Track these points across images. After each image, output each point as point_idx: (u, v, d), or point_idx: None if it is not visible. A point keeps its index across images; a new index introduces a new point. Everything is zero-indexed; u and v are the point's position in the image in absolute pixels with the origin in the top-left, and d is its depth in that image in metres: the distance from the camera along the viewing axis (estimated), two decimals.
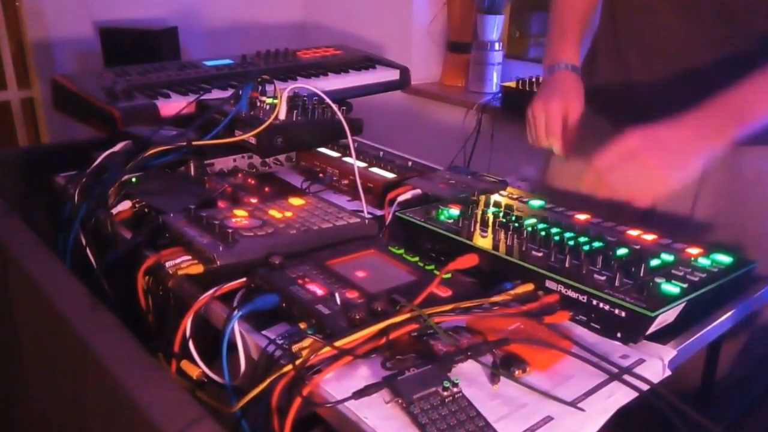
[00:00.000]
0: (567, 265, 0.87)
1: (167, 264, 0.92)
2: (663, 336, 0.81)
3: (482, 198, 1.13)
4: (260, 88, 1.31)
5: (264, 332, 0.81)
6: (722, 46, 1.05)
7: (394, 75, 1.79)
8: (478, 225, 1.00)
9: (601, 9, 1.27)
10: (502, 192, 1.17)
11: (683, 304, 0.81)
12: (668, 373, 0.78)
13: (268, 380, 0.72)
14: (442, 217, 1.04)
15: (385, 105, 2.44)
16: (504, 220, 1.01)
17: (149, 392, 0.69)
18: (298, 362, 0.72)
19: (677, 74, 1.11)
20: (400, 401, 0.67)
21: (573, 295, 0.83)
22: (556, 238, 0.95)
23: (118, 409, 0.75)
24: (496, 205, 1.10)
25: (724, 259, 0.92)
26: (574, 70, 1.16)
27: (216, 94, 1.41)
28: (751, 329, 1.08)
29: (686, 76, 1.09)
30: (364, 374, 0.73)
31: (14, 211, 1.15)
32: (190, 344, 0.85)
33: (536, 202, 1.12)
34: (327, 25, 3.42)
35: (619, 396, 0.72)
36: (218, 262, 0.89)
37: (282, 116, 1.22)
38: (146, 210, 1.09)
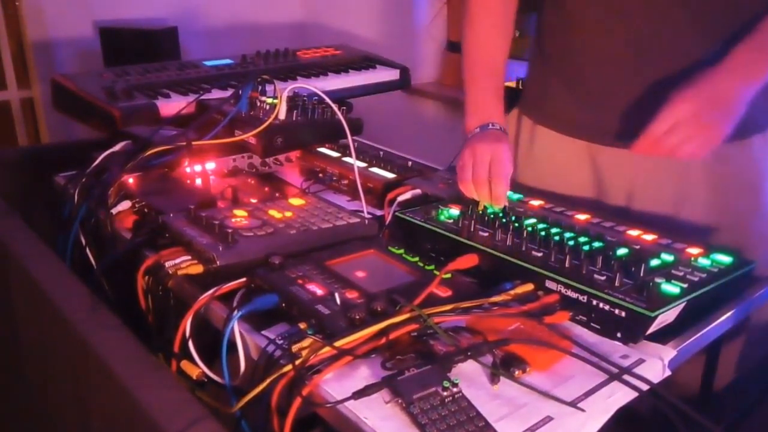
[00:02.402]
0: (567, 265, 0.87)
1: (167, 264, 0.92)
2: (663, 336, 0.81)
3: None
4: (260, 88, 1.31)
5: (264, 332, 0.81)
6: (687, 42, 1.08)
7: (394, 75, 1.79)
8: (478, 225, 1.00)
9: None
10: None
11: (683, 304, 0.81)
12: (668, 373, 0.78)
13: (268, 380, 0.72)
14: (442, 217, 1.04)
15: (385, 105, 2.44)
16: (504, 220, 1.01)
17: (150, 392, 0.69)
18: (297, 362, 0.72)
19: (636, 76, 1.12)
20: (400, 401, 0.67)
21: (573, 295, 0.83)
22: (556, 238, 0.95)
23: (119, 408, 0.75)
24: None
25: (724, 259, 0.92)
26: (505, 133, 1.15)
27: (216, 94, 1.41)
28: (750, 329, 1.08)
29: (646, 76, 1.11)
30: (363, 374, 0.73)
31: (14, 211, 1.15)
32: (190, 344, 0.85)
33: (536, 202, 1.12)
34: (327, 25, 3.42)
35: (619, 396, 0.72)
36: (218, 262, 0.89)
37: (282, 116, 1.22)
38: (146, 210, 1.09)
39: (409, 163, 1.33)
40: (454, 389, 0.68)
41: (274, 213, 1.05)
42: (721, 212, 1.13)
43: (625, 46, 1.11)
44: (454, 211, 1.06)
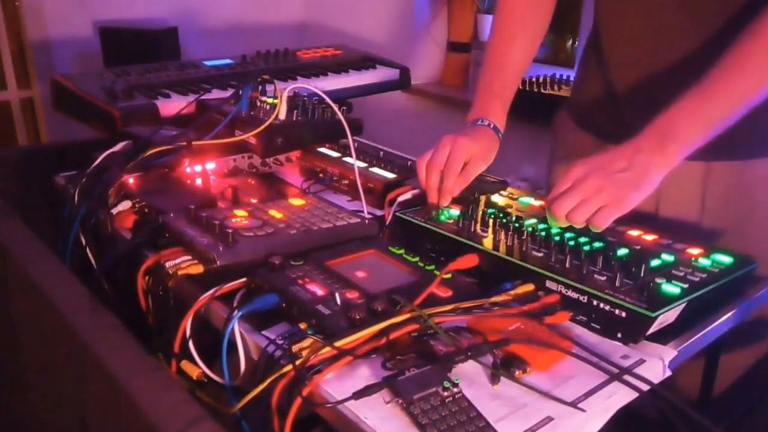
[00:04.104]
0: (567, 265, 0.87)
1: (167, 264, 0.92)
2: (663, 336, 0.81)
3: (482, 198, 1.12)
4: (260, 88, 1.31)
5: (264, 332, 0.81)
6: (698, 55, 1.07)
7: (394, 75, 1.79)
8: (478, 225, 1.00)
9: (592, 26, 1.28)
10: (502, 192, 1.16)
11: (684, 305, 0.81)
12: (668, 373, 0.78)
13: (268, 380, 0.72)
14: (442, 217, 1.04)
15: (385, 105, 2.44)
16: (504, 221, 1.00)
17: (149, 392, 0.69)
18: (298, 362, 0.71)
19: (656, 84, 1.11)
20: (400, 401, 0.67)
21: (573, 295, 0.83)
22: (557, 238, 0.94)
23: (118, 409, 0.75)
24: (496, 205, 1.10)
25: (725, 259, 0.92)
26: (496, 132, 1.15)
27: (216, 94, 1.41)
28: (751, 329, 1.07)
29: (665, 84, 1.09)
30: (364, 374, 0.73)
31: (14, 211, 1.15)
32: (190, 344, 0.85)
33: (537, 202, 1.11)
34: (327, 25, 3.42)
35: (619, 396, 0.72)
36: (218, 262, 0.89)
37: (282, 116, 1.22)
38: (146, 210, 1.09)
39: (409, 163, 1.33)
40: (455, 389, 0.68)
41: (274, 213, 1.04)
42: (732, 218, 1.11)
43: (636, 52, 1.12)
44: (454, 211, 1.06)
